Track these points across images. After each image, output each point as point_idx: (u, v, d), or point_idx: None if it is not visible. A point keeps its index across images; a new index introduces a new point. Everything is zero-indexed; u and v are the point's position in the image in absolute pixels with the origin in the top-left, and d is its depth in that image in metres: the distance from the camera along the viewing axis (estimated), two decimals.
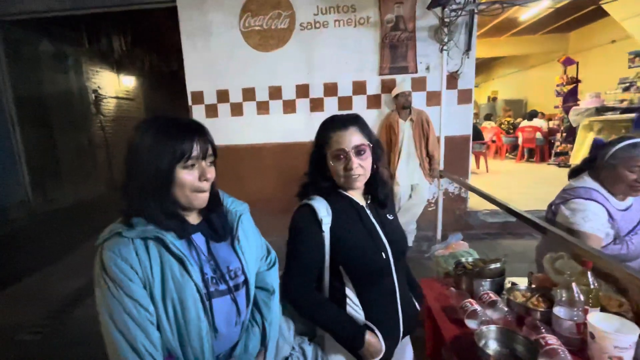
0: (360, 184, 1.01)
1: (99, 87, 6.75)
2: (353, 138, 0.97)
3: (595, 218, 1.35)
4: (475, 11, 2.98)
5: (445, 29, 2.81)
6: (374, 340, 0.97)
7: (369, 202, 1.07)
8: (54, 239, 4.09)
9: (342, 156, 0.97)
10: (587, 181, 1.45)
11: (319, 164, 1.02)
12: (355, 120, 1.01)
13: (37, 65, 5.34)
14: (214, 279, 0.78)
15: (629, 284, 0.88)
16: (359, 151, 0.97)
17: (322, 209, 0.97)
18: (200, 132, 0.76)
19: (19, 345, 2.21)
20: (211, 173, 0.77)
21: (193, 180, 0.74)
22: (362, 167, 0.98)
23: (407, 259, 1.20)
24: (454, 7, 2.71)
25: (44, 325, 2.41)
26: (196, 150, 0.73)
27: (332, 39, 3.51)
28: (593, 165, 1.47)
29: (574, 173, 1.56)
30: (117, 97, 7.28)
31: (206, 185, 0.77)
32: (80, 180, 6.08)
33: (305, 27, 3.53)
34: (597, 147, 1.46)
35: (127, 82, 7.62)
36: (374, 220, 1.04)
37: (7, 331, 2.34)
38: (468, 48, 3.29)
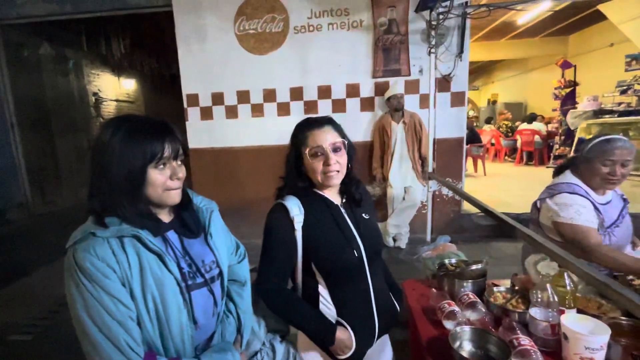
0: (337, 180, 1.02)
1: (99, 89, 6.81)
2: (329, 136, 1.00)
3: (586, 211, 1.39)
4: (467, 14, 2.99)
5: (433, 32, 2.83)
6: (345, 336, 0.98)
7: (344, 201, 1.09)
8: (52, 240, 4.09)
9: (319, 153, 0.99)
10: (567, 176, 1.50)
11: (296, 165, 1.04)
12: (330, 121, 1.04)
13: (38, 69, 5.39)
14: (191, 273, 0.80)
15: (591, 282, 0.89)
16: (335, 148, 1.00)
17: (295, 207, 1.00)
18: (170, 133, 0.77)
19: (10, 346, 2.22)
20: (182, 172, 0.79)
21: (165, 180, 0.76)
22: (339, 164, 1.00)
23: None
24: (441, 10, 2.72)
25: (36, 325, 2.41)
26: (167, 151, 0.75)
27: (325, 42, 3.54)
28: (575, 162, 1.52)
29: (558, 171, 1.60)
30: (117, 100, 7.34)
31: (178, 184, 0.79)
32: (80, 182, 6.12)
33: (299, 30, 3.55)
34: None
35: (128, 85, 7.68)
36: (347, 219, 1.06)
37: (1, 331, 2.35)
38: (461, 51, 3.30)
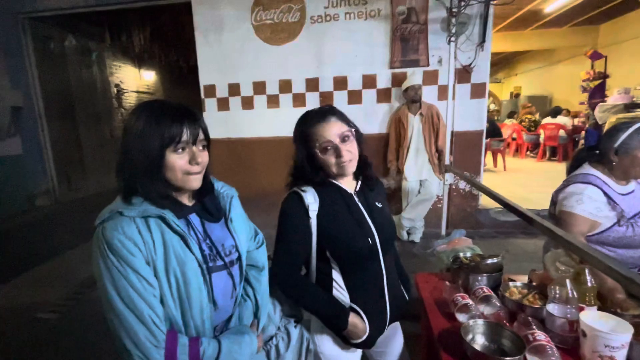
0: (352, 169, 1.03)
1: (121, 81, 7.00)
2: (335, 127, 0.99)
3: (589, 201, 1.35)
4: (491, 1, 2.87)
5: (454, 20, 2.73)
6: (358, 321, 1.00)
7: (357, 189, 1.09)
8: (77, 225, 4.29)
9: (329, 147, 0.99)
10: (585, 168, 1.46)
11: (308, 160, 1.03)
12: (333, 111, 1.03)
13: (63, 60, 5.58)
14: (211, 255, 0.82)
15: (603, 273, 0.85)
16: (343, 138, 0.99)
17: (309, 196, 1.01)
18: (190, 117, 0.77)
19: (37, 323, 2.35)
20: (202, 157, 0.79)
21: (183, 165, 0.76)
22: (350, 152, 1.01)
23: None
24: None
25: (61, 305, 2.55)
26: (186, 135, 0.75)
27: (342, 32, 3.49)
28: (592, 154, 1.46)
29: (572, 168, 1.54)
30: (138, 92, 7.53)
31: (197, 169, 0.78)
32: (103, 170, 6.35)
33: (315, 20, 3.52)
34: (598, 137, 1.46)
35: (148, 77, 7.86)
36: (361, 207, 1.06)
37: (29, 310, 2.49)
38: (482, 40, 3.19)
